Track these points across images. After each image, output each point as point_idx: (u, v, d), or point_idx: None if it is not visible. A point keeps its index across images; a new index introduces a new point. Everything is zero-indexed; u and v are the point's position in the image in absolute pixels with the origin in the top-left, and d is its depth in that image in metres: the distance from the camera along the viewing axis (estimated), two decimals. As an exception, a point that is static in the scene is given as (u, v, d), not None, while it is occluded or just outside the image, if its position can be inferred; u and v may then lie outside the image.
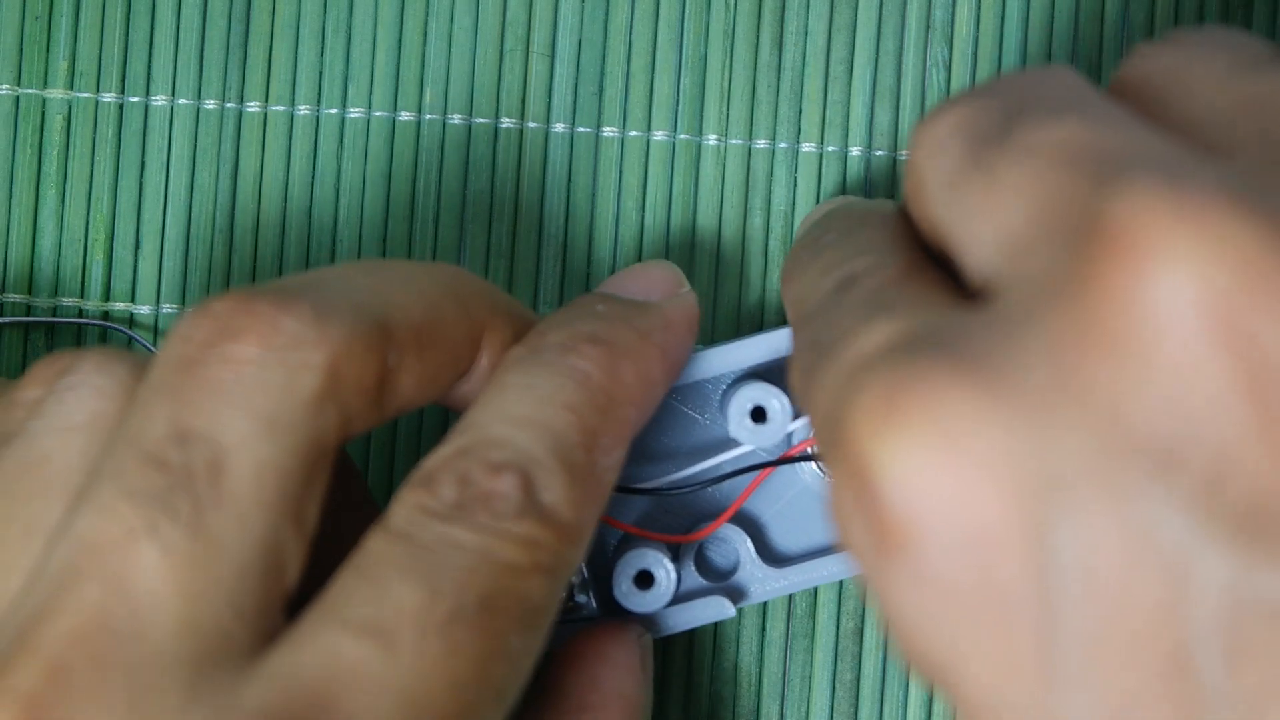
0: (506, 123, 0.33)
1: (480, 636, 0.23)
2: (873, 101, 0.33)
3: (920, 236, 0.25)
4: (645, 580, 0.29)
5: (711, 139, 0.33)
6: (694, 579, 0.30)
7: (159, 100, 0.33)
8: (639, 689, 0.28)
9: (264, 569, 0.23)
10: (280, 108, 0.33)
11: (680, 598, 0.30)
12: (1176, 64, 0.22)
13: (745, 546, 0.30)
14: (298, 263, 0.33)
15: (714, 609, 0.29)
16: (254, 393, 0.23)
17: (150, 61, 0.33)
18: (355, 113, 0.33)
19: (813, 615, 0.33)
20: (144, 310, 0.33)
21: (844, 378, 0.21)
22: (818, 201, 0.33)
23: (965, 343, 0.20)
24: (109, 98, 0.33)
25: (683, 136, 0.33)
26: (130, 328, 0.33)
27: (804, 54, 0.33)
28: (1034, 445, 0.19)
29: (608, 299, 0.28)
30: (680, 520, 0.31)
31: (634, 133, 0.33)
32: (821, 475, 0.30)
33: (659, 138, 0.33)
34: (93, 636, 0.22)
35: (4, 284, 0.33)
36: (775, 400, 0.29)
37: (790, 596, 0.32)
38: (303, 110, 0.33)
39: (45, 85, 0.33)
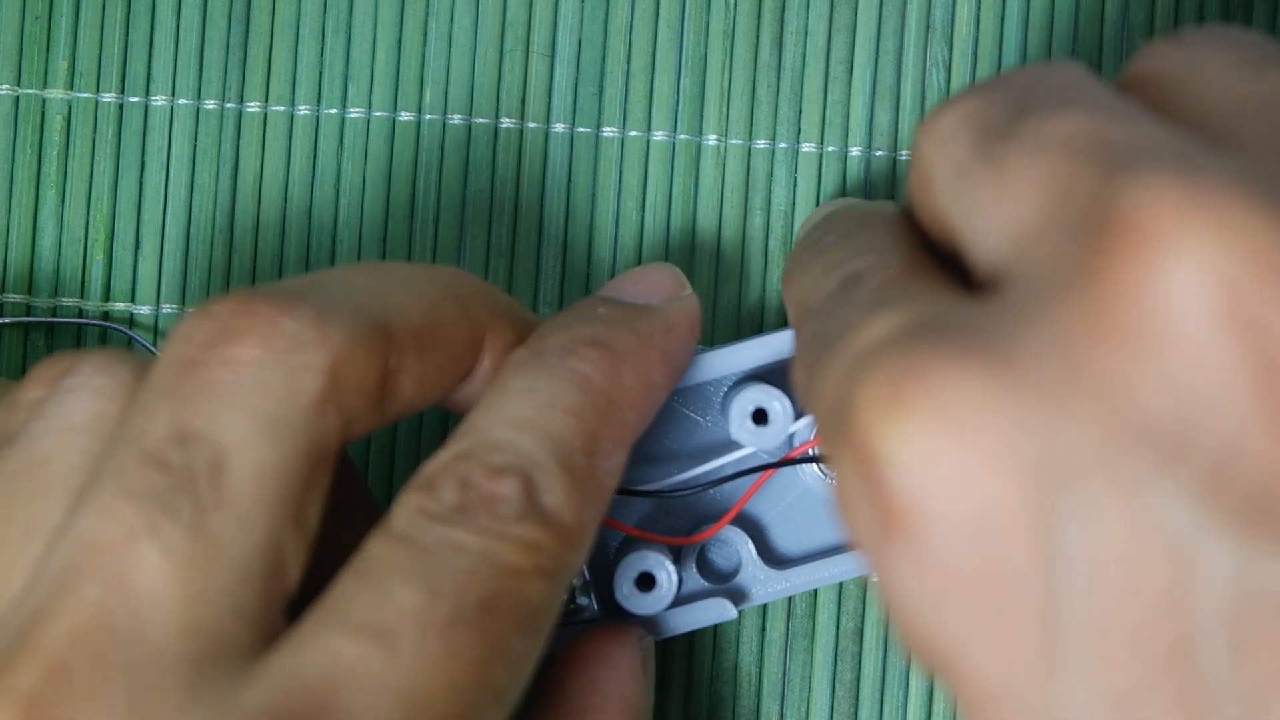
0: (506, 123, 0.33)
1: (481, 639, 0.23)
2: (873, 101, 0.33)
3: (923, 237, 0.25)
4: (646, 582, 0.29)
5: (711, 139, 0.33)
6: (695, 581, 0.30)
7: (159, 100, 0.33)
8: (640, 690, 0.28)
9: (264, 570, 0.23)
10: (280, 108, 0.33)
11: (681, 599, 0.30)
12: (1185, 61, 0.22)
13: (747, 548, 0.30)
14: (298, 263, 0.33)
15: (715, 611, 0.29)
16: (255, 394, 0.23)
17: (150, 61, 0.33)
18: (355, 113, 0.33)
19: (813, 615, 0.33)
20: (144, 310, 0.33)
21: (850, 366, 0.21)
22: (818, 202, 0.33)
23: (974, 331, 0.20)
24: (109, 98, 0.33)
25: (683, 136, 0.33)
26: (130, 328, 0.33)
27: (804, 54, 0.33)
28: (1042, 433, 0.19)
29: (609, 302, 0.28)
30: (682, 522, 0.31)
31: (634, 133, 0.33)
32: (823, 477, 0.30)
33: (659, 138, 0.33)
34: (93, 636, 0.22)
35: (4, 284, 0.33)
36: (776, 402, 0.29)
37: (790, 597, 0.32)
38: (303, 110, 0.33)
39: (45, 85, 0.33)
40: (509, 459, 0.24)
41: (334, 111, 0.33)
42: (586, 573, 0.29)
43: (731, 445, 0.30)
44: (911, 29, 0.33)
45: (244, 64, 0.33)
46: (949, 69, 0.33)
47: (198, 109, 0.33)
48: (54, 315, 0.33)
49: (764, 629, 0.33)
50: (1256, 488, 0.18)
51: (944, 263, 0.24)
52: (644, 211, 0.33)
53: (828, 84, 0.33)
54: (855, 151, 0.33)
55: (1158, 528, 0.18)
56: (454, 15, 0.33)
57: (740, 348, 0.29)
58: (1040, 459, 0.19)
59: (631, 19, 0.33)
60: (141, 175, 0.33)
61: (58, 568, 0.23)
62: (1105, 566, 0.19)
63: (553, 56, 0.33)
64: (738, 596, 0.30)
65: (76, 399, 0.25)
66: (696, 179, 0.33)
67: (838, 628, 0.32)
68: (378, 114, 0.33)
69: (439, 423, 0.33)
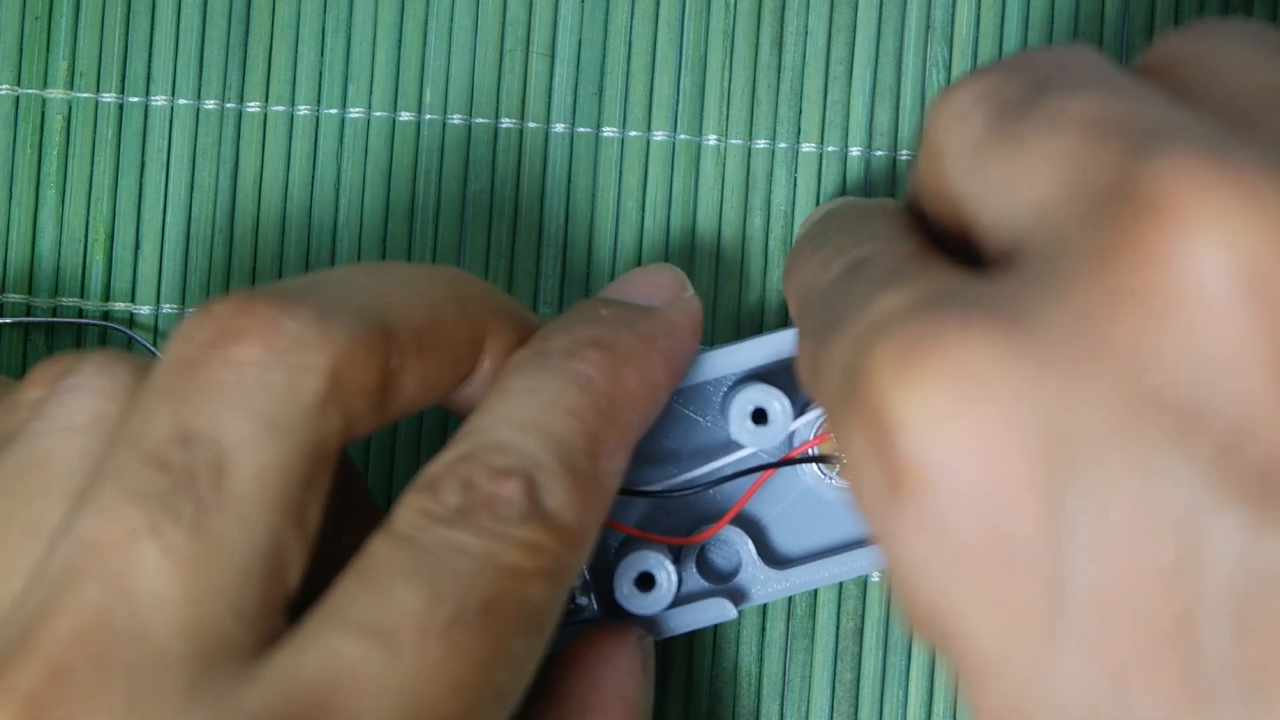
0: (506, 123, 0.33)
1: (482, 640, 0.23)
2: (873, 101, 0.33)
3: (926, 228, 0.25)
4: (646, 582, 0.29)
5: (711, 139, 0.33)
6: (695, 581, 0.30)
7: (159, 100, 0.33)
8: (640, 691, 0.28)
9: (265, 571, 0.23)
10: (280, 108, 0.33)
11: (681, 599, 0.30)
12: (1203, 49, 0.22)
13: (746, 548, 0.30)
14: (298, 263, 0.33)
15: (715, 611, 0.29)
16: (255, 394, 0.23)
17: (150, 61, 0.33)
18: (355, 113, 0.33)
19: (813, 615, 0.33)
20: (144, 310, 0.33)
21: (860, 336, 0.21)
22: (818, 202, 0.33)
23: (989, 300, 0.20)
24: (109, 98, 0.33)
25: (683, 136, 0.33)
26: (130, 328, 0.33)
27: (804, 54, 0.33)
28: (1055, 400, 0.19)
29: (611, 304, 0.28)
30: (682, 522, 0.31)
31: (634, 133, 0.33)
32: (823, 477, 0.30)
33: (659, 138, 0.33)
34: (93, 637, 0.22)
35: (4, 284, 0.33)
36: (776, 402, 0.29)
37: (790, 597, 0.32)
38: (303, 110, 0.33)
39: (45, 85, 0.33)
40: (511, 460, 0.24)
41: (334, 111, 0.33)
42: (586, 573, 0.29)
43: (731, 445, 0.30)
44: (911, 29, 0.33)
45: (244, 64, 0.33)
46: (949, 69, 0.33)
47: (198, 109, 0.33)
48: (54, 315, 0.33)
49: (764, 629, 0.33)
50: (1267, 465, 0.18)
51: (949, 252, 0.24)
52: (644, 211, 0.33)
53: (828, 84, 0.33)
54: (855, 151, 0.33)
55: (1167, 501, 0.18)
56: (454, 15, 0.33)
57: (740, 347, 0.29)
58: (1052, 427, 0.19)
59: (631, 19, 0.33)
60: (141, 175, 0.33)
61: (58, 568, 0.23)
62: (1112, 537, 0.19)
63: (553, 56, 0.33)
64: (737, 596, 0.30)
65: (77, 399, 0.25)
66: (696, 179, 0.33)
67: (838, 628, 0.32)
68: (378, 114, 0.33)
69: (439, 423, 0.33)
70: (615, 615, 0.30)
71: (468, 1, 0.33)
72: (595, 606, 0.29)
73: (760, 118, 0.33)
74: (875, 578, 0.33)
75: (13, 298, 0.33)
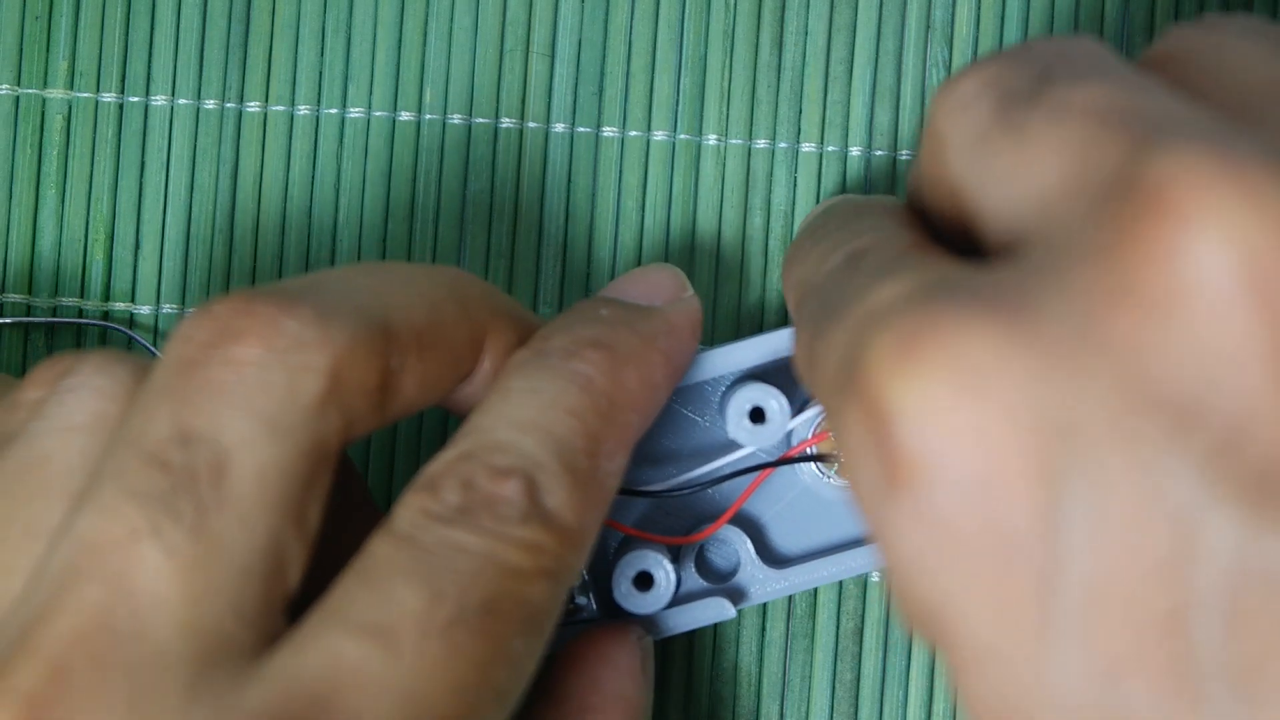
0: (506, 123, 0.33)
1: (482, 640, 0.23)
2: (873, 101, 0.33)
3: (926, 223, 0.25)
4: (645, 581, 0.29)
5: (711, 139, 0.33)
6: (694, 580, 0.30)
7: (159, 100, 0.33)
8: (640, 691, 0.28)
9: (266, 571, 0.23)
10: (280, 108, 0.33)
11: (681, 599, 0.30)
12: (1207, 45, 0.22)
13: (745, 548, 0.30)
14: (298, 263, 0.33)
15: (714, 610, 0.29)
16: (256, 394, 0.23)
17: (150, 61, 0.33)
18: (355, 113, 0.33)
19: (813, 615, 0.33)
20: (144, 310, 0.33)
21: (859, 325, 0.21)
22: (818, 201, 0.33)
23: (989, 291, 0.20)
24: (109, 98, 0.33)
25: (683, 136, 0.33)
26: (130, 328, 0.33)
27: (804, 54, 0.33)
28: (1053, 392, 0.19)
29: (611, 303, 0.28)
30: (680, 522, 0.31)
31: (634, 133, 0.33)
32: (822, 476, 0.30)
33: (659, 138, 0.33)
34: (94, 637, 0.22)
35: (4, 284, 0.33)
36: (774, 400, 0.29)
37: (790, 597, 0.32)
38: (303, 110, 0.33)
39: (45, 85, 0.33)
40: (512, 460, 0.24)
41: (334, 111, 0.33)
42: (585, 572, 0.29)
43: (730, 445, 0.30)
44: (911, 29, 0.33)
45: (244, 64, 0.33)
46: (949, 69, 0.33)
47: (198, 109, 0.33)
48: (54, 315, 0.33)
49: (764, 629, 0.33)
50: (1265, 463, 0.18)
51: (948, 246, 0.24)
52: (644, 211, 0.33)
53: (828, 84, 0.33)
54: (855, 151, 0.33)
55: (1162, 496, 0.18)
56: (454, 15, 0.33)
57: (737, 347, 0.29)
58: (1050, 419, 0.19)
59: (631, 19, 0.33)
60: (141, 175, 0.33)
61: (59, 568, 0.23)
62: (1106, 531, 0.19)
63: (553, 56, 0.33)
64: (736, 596, 0.30)
65: (77, 399, 0.25)
66: (696, 179, 0.33)
67: (838, 628, 0.33)
68: (378, 114, 0.33)
69: (439, 423, 0.33)
70: (614, 614, 0.30)
71: (468, 1, 0.33)
72: (594, 606, 0.29)
73: (760, 118, 0.33)
74: (875, 577, 0.33)
75: (13, 298, 0.33)
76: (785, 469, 0.30)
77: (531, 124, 0.33)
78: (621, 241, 0.33)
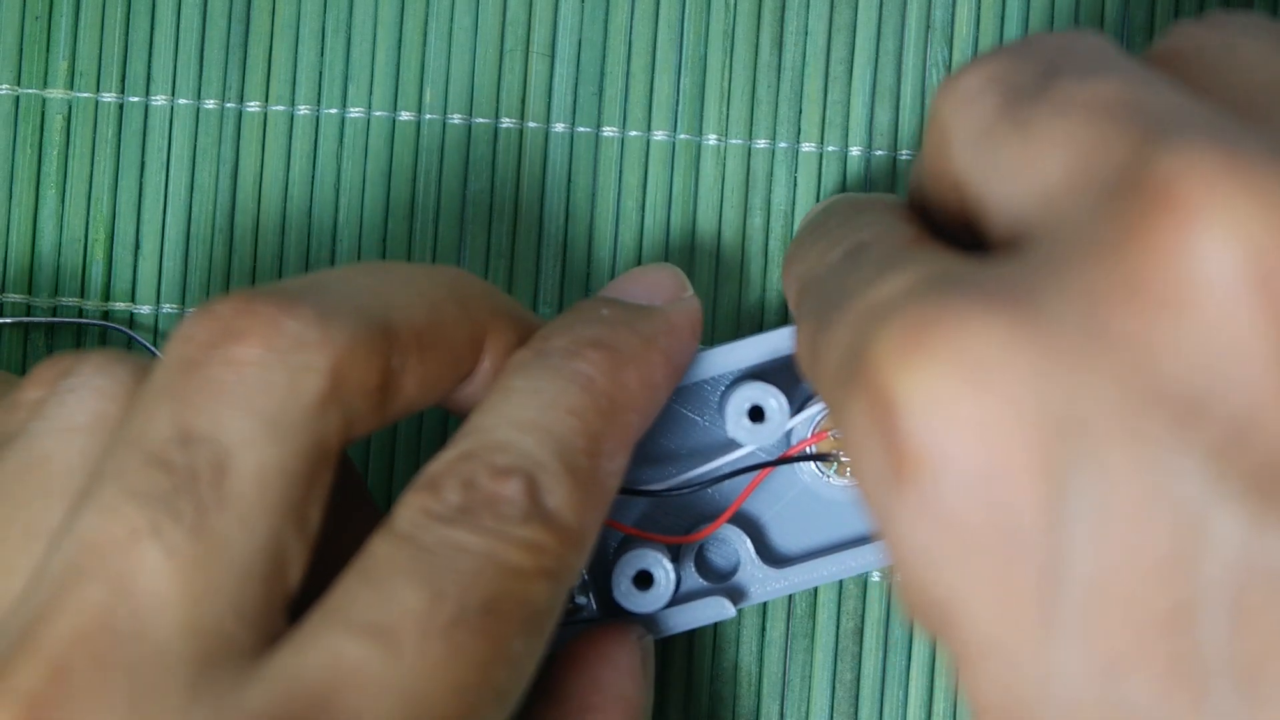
0: (506, 123, 0.33)
1: (483, 640, 0.23)
2: (873, 101, 0.33)
3: (927, 219, 0.25)
4: (644, 580, 0.29)
5: (711, 139, 0.33)
6: (694, 580, 0.30)
7: (159, 100, 0.33)
8: (640, 690, 0.28)
9: (266, 571, 0.23)
10: (280, 108, 0.33)
11: (680, 598, 0.30)
12: (1212, 41, 0.22)
13: (745, 547, 0.30)
14: (298, 263, 0.33)
15: (714, 609, 0.29)
16: (256, 394, 0.23)
17: (150, 61, 0.33)
18: (355, 113, 0.33)
19: (813, 615, 0.33)
20: (144, 310, 0.33)
21: (864, 317, 0.21)
22: (818, 201, 0.33)
23: (995, 284, 0.20)
24: (109, 98, 0.33)
25: (683, 136, 0.33)
26: (130, 328, 0.33)
27: (804, 54, 0.33)
28: (1059, 387, 0.19)
29: (612, 303, 0.28)
30: (680, 521, 0.31)
31: (634, 133, 0.33)
32: (821, 475, 0.30)
33: (659, 138, 0.33)
34: (95, 637, 0.22)
35: (4, 284, 0.33)
36: (773, 399, 0.29)
37: (790, 596, 0.32)
38: (303, 110, 0.33)
39: (45, 85, 0.33)
40: (512, 460, 0.24)
41: (334, 111, 0.33)
42: (585, 572, 0.29)
43: (730, 445, 0.30)
44: (911, 29, 0.33)
45: (244, 64, 0.33)
46: (949, 69, 0.33)
47: (198, 109, 0.33)
48: (54, 315, 0.33)
49: (764, 629, 0.33)
50: (1269, 460, 0.18)
51: (951, 241, 0.24)
52: (644, 211, 0.33)
53: (828, 84, 0.33)
54: (855, 151, 0.33)
55: (1167, 492, 0.18)
56: (454, 15, 0.33)
57: (737, 346, 0.29)
58: (1056, 413, 0.19)
59: (631, 19, 0.33)
60: (141, 175, 0.33)
61: (59, 568, 0.23)
62: (1110, 526, 0.19)
63: (553, 56, 0.33)
64: (736, 595, 0.30)
65: (77, 399, 0.25)
66: (696, 179, 0.33)
67: (838, 628, 0.33)
68: (378, 114, 0.33)
69: (439, 423, 0.33)
70: (613, 614, 0.30)
71: (468, 1, 0.33)
72: (594, 605, 0.29)
73: (760, 118, 0.33)
74: (875, 577, 0.33)
75: (13, 298, 0.33)
76: (785, 468, 0.30)
77: (531, 124, 0.33)
78: (621, 241, 0.33)
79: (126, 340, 0.33)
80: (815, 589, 0.32)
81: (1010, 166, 0.21)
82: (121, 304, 0.33)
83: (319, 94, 0.33)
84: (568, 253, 0.33)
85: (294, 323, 0.24)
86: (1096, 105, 0.20)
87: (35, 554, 0.24)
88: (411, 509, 0.24)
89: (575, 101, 0.33)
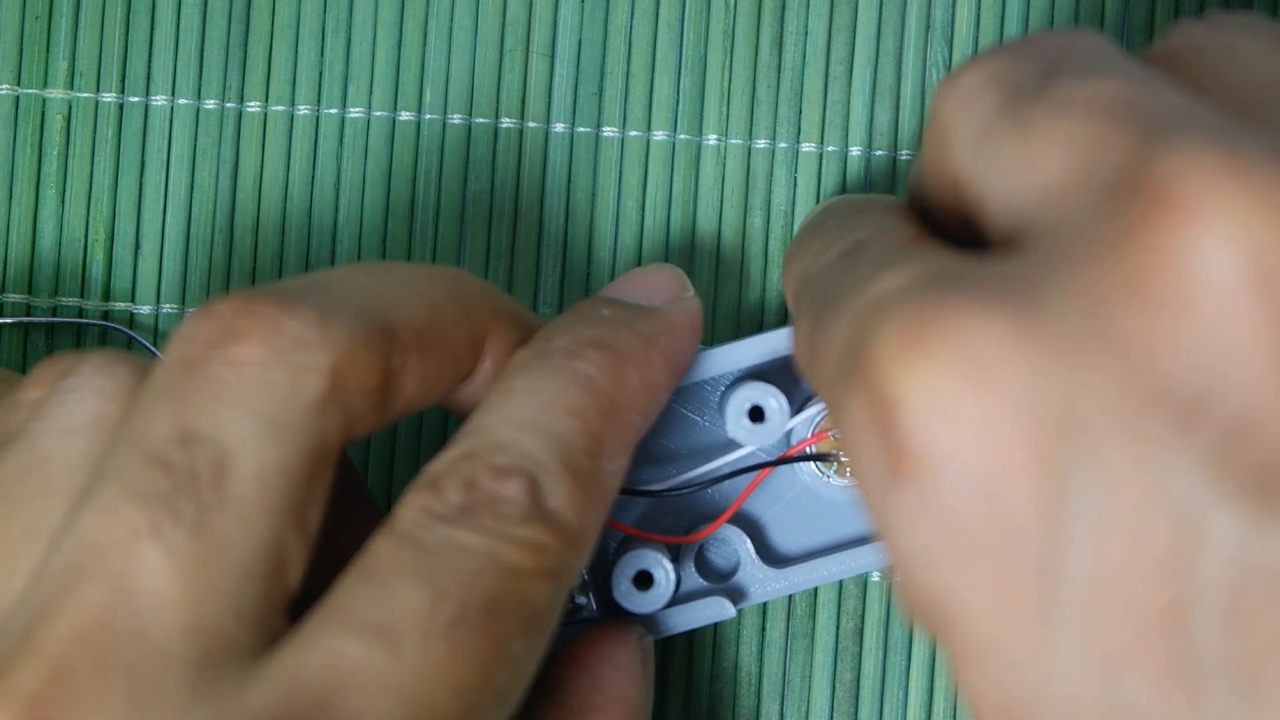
0: (506, 123, 0.33)
1: (484, 640, 0.23)
2: (873, 101, 0.33)
3: (929, 216, 0.25)
4: (644, 580, 0.29)
5: (711, 139, 0.33)
6: (694, 580, 0.30)
7: (159, 100, 0.33)
8: (640, 690, 0.28)
9: (266, 571, 0.23)
10: (280, 108, 0.33)
11: (680, 599, 0.30)
12: (1213, 42, 0.23)
13: (745, 547, 0.30)
14: (298, 263, 0.33)
15: (714, 609, 0.29)
16: (257, 394, 0.23)
17: (150, 61, 0.33)
18: (355, 113, 0.33)
19: (813, 615, 0.33)
20: (144, 310, 0.33)
21: (863, 314, 0.21)
22: (818, 201, 0.33)
23: (995, 282, 0.20)
24: (109, 98, 0.33)
25: (683, 136, 0.33)
26: (130, 328, 0.33)
27: (804, 54, 0.33)
28: (1059, 386, 0.19)
29: (612, 303, 0.28)
30: (680, 521, 0.31)
31: (634, 133, 0.33)
32: (821, 475, 0.30)
33: (659, 138, 0.33)
34: (95, 637, 0.22)
35: (4, 284, 0.33)
36: (773, 399, 0.29)
37: (790, 597, 0.32)
38: (303, 110, 0.33)
39: (45, 85, 0.33)
40: (513, 459, 0.24)
41: (334, 111, 0.33)
42: (585, 572, 0.29)
43: (730, 445, 0.30)
44: (911, 29, 0.33)
45: (244, 64, 0.33)
46: (949, 69, 0.33)
47: (198, 109, 0.33)
48: (54, 315, 0.33)
49: (764, 629, 0.33)
50: (1268, 460, 0.18)
51: (950, 241, 0.24)
52: (644, 211, 0.33)
53: (828, 84, 0.33)
54: (855, 151, 0.33)
55: (1165, 491, 0.18)
56: (454, 15, 0.33)
57: (737, 346, 0.29)
58: (1055, 412, 0.19)
59: (631, 19, 0.33)
60: (141, 175, 0.33)
61: (60, 568, 0.23)
62: (1109, 524, 0.19)
63: (553, 56, 0.33)
64: (736, 595, 0.30)
65: (77, 399, 0.25)
66: (696, 179, 0.33)
67: (838, 628, 0.33)
68: (378, 114, 0.33)
69: (439, 423, 0.33)
70: (613, 614, 0.30)
71: (468, 1, 0.33)
72: (594, 606, 0.29)
73: (760, 118, 0.33)
74: (875, 577, 0.33)
75: (13, 298, 0.33)
76: (785, 468, 0.30)
77: (531, 124, 0.33)
78: (621, 241, 0.33)
79: (126, 340, 0.33)
80: (815, 589, 0.32)
81: (1010, 165, 0.21)
82: (121, 304, 0.33)
83: (319, 94, 0.33)
84: (568, 253, 0.33)
85: (294, 323, 0.24)
86: (1097, 104, 0.20)
87: (35, 554, 0.24)
88: (413, 508, 0.24)
89: (575, 101, 0.33)
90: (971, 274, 0.20)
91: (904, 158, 0.33)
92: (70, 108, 0.33)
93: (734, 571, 0.30)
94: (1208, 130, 0.19)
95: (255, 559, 0.23)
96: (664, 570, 0.29)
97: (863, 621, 0.33)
